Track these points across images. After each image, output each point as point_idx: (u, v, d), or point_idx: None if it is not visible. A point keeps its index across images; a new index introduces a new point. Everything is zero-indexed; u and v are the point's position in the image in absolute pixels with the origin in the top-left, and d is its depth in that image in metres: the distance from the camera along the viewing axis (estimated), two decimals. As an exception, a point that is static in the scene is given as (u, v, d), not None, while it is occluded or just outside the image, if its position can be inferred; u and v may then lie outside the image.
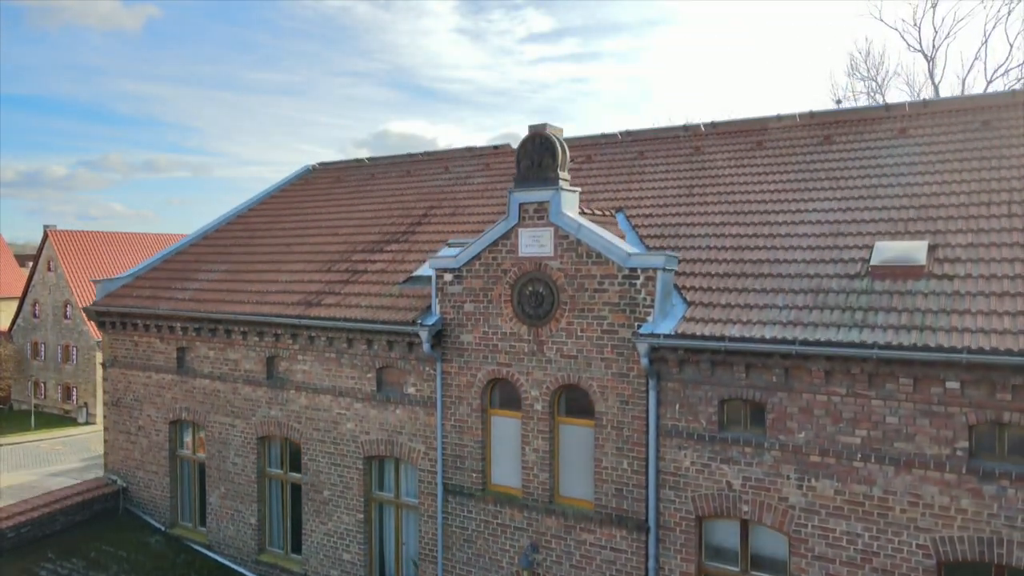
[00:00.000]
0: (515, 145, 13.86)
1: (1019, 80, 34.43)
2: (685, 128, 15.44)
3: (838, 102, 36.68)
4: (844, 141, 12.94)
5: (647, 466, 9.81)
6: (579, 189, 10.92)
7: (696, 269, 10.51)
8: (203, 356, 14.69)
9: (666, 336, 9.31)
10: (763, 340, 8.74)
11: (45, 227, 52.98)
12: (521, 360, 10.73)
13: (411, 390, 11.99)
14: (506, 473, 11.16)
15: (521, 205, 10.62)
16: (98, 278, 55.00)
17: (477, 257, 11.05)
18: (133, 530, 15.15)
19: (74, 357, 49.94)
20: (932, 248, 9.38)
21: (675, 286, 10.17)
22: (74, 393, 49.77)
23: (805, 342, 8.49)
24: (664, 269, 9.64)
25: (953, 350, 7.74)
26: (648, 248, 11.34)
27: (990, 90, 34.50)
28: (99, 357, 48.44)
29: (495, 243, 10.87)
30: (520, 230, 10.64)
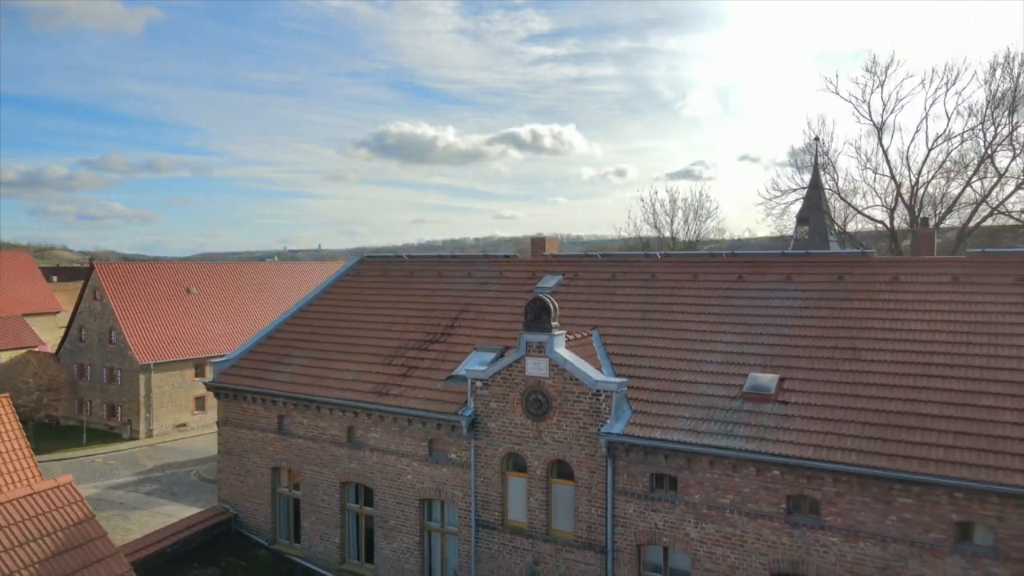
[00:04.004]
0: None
1: (964, 141, 40.51)
2: (646, 255, 21.40)
3: (816, 139, 42.61)
4: (751, 280, 18.80)
5: (607, 512, 15.65)
6: (564, 331, 16.73)
7: (642, 385, 16.33)
8: (298, 422, 20.52)
9: (617, 435, 15.17)
10: (674, 441, 14.59)
11: (91, 259, 58.93)
12: (527, 442, 16.58)
13: (453, 456, 17.83)
14: (517, 513, 16.99)
15: (527, 342, 16.45)
16: (147, 308, 59.13)
17: (499, 373, 16.89)
18: (246, 546, 20.99)
19: (119, 378, 55.64)
20: (781, 380, 15.21)
21: (626, 397, 16.00)
22: (118, 411, 55.54)
23: (697, 444, 14.35)
24: (617, 391, 15.48)
25: (773, 454, 13.60)
26: (612, 365, 17.19)
27: (931, 155, 40.73)
28: (143, 379, 54.39)
29: (510, 365, 16.72)
30: (527, 358, 16.48)
